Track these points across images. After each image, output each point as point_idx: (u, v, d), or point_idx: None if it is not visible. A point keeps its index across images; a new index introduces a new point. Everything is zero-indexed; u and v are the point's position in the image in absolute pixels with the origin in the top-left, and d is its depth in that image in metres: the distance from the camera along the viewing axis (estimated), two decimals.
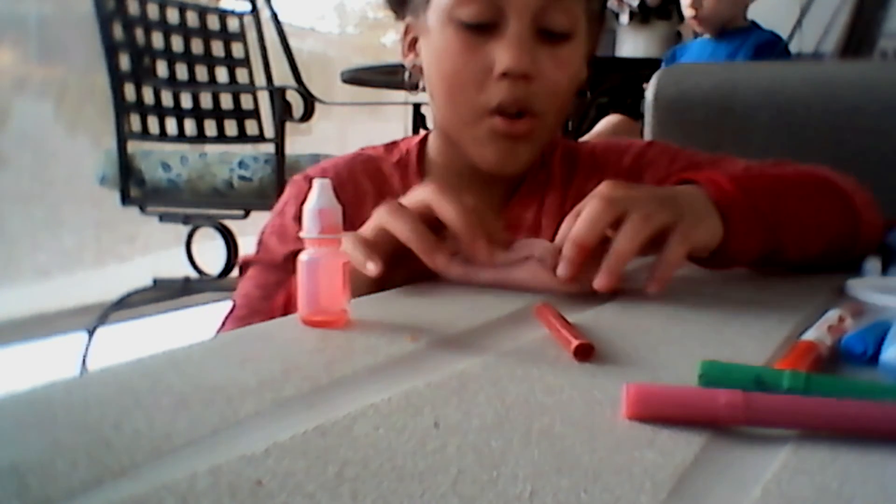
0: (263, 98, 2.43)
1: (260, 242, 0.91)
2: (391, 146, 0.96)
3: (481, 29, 0.82)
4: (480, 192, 0.91)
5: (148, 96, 2.25)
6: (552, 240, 0.88)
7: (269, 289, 0.86)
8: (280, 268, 0.87)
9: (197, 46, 2.43)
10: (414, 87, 0.93)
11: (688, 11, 2.23)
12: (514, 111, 0.83)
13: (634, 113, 1.99)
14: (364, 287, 0.59)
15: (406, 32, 0.91)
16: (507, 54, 0.80)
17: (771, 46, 2.19)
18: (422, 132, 0.98)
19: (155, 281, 2.42)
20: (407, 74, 0.93)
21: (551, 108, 0.85)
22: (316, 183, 0.50)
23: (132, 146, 2.19)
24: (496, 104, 0.82)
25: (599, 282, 0.58)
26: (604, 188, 0.62)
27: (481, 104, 0.83)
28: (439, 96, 0.87)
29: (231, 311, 0.88)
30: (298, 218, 0.87)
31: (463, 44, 0.82)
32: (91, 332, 2.40)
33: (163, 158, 2.17)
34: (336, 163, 0.94)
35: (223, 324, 0.87)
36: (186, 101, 2.35)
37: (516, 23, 0.81)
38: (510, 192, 0.92)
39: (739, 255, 0.67)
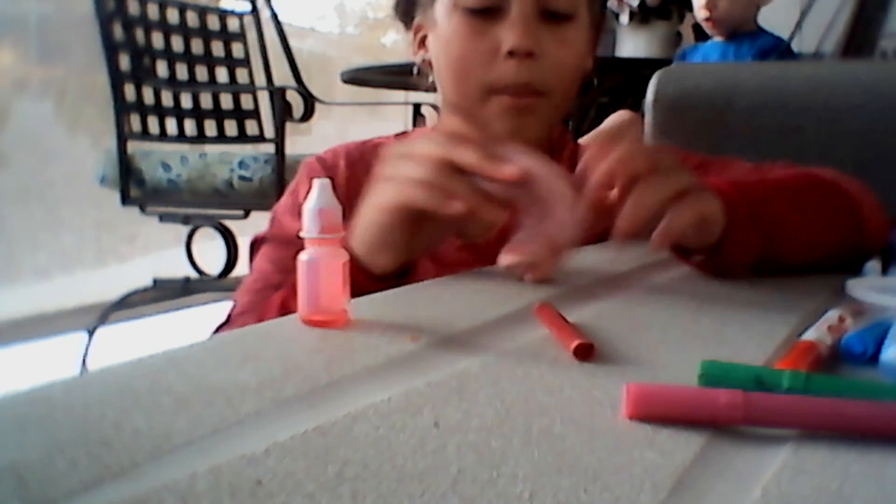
0: (263, 98, 2.43)
1: (273, 220, 0.93)
2: (402, 135, 0.99)
3: (486, 13, 0.85)
4: None
5: (148, 96, 2.25)
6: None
7: (284, 262, 0.87)
8: (294, 243, 0.88)
9: (197, 46, 2.43)
10: (424, 83, 0.95)
11: (701, 13, 2.24)
12: (521, 90, 0.85)
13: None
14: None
15: (416, 32, 0.94)
16: (512, 33, 0.83)
17: (773, 50, 2.20)
18: (430, 125, 1.00)
19: (155, 281, 2.42)
20: (416, 70, 0.96)
21: (557, 86, 0.87)
22: (316, 183, 0.50)
23: (132, 146, 2.19)
24: (503, 83, 0.85)
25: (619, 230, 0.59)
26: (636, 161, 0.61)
27: (488, 84, 0.86)
28: (448, 81, 0.89)
29: (246, 286, 0.89)
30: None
31: (469, 28, 0.85)
32: (91, 332, 2.40)
33: (163, 158, 2.17)
34: (348, 145, 0.97)
35: (239, 297, 0.88)
36: (186, 101, 2.35)
37: (519, 4, 0.84)
38: None
39: (736, 257, 0.68)
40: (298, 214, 0.88)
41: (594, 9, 0.91)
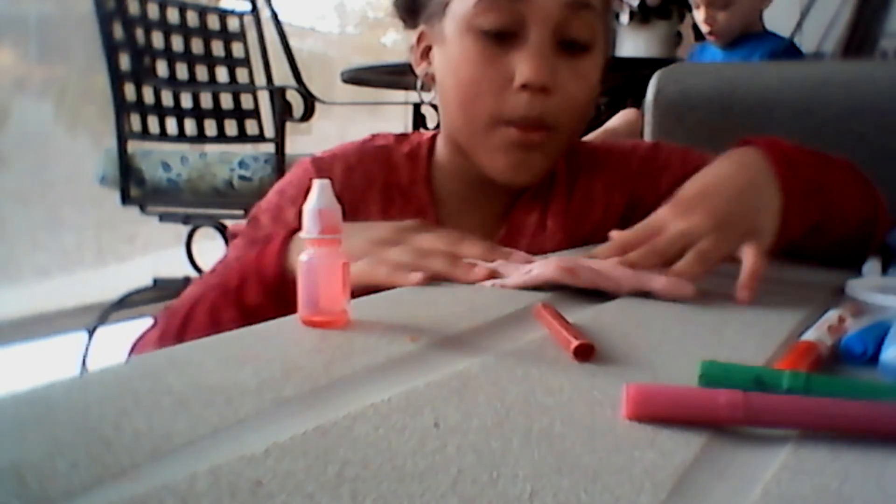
0: (263, 98, 2.43)
1: (251, 217, 0.90)
2: (402, 137, 0.95)
3: (501, 39, 0.80)
4: (485, 198, 0.91)
5: (148, 96, 2.25)
6: (560, 240, 0.89)
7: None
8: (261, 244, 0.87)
9: (197, 46, 2.43)
10: (427, 91, 0.92)
11: (703, 28, 2.25)
12: (531, 125, 0.82)
13: None
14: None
15: (419, 41, 0.90)
16: (528, 66, 0.79)
17: (780, 50, 2.20)
18: (432, 129, 0.97)
19: (155, 281, 2.42)
20: (419, 83, 0.92)
21: (568, 121, 0.84)
22: (316, 183, 0.50)
23: (132, 146, 2.19)
24: (513, 116, 0.81)
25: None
26: (667, 218, 0.65)
27: (497, 114, 0.82)
28: (454, 105, 0.85)
29: (204, 276, 0.87)
30: (294, 201, 0.87)
31: (482, 53, 0.81)
32: (91, 332, 2.40)
33: (163, 158, 2.17)
34: (346, 148, 0.93)
35: (192, 287, 0.86)
36: (186, 101, 2.35)
37: (537, 34, 0.80)
38: (514, 198, 0.91)
39: (792, 230, 0.70)
40: (277, 218, 0.87)
41: (607, 33, 0.87)
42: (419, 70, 0.91)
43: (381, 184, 0.90)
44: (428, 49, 0.89)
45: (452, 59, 0.84)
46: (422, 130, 0.97)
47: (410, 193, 0.90)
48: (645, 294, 0.61)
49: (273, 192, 0.91)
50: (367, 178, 0.89)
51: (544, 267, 0.61)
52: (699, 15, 2.25)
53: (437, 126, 0.96)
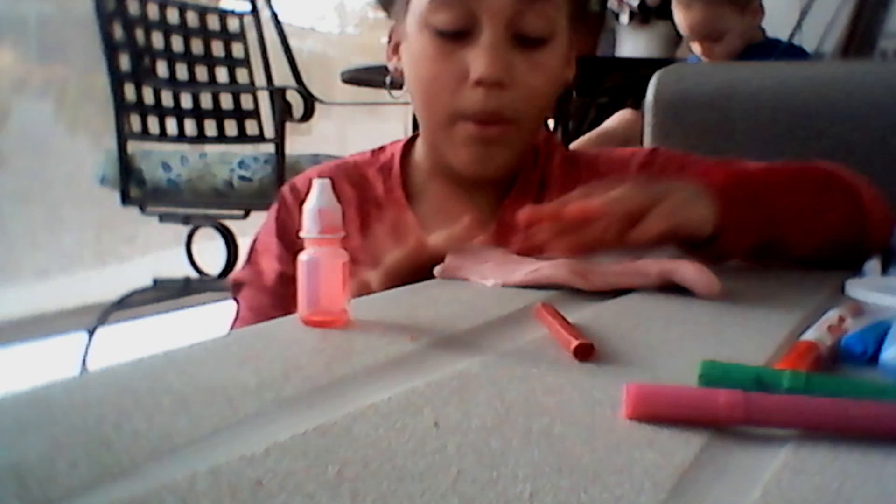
0: (263, 98, 2.43)
1: (250, 259, 0.92)
2: (379, 151, 0.96)
3: (456, 35, 0.81)
4: (468, 195, 0.91)
5: (148, 96, 2.25)
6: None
7: (264, 311, 0.87)
8: (271, 290, 0.88)
9: (197, 46, 2.43)
10: (398, 88, 0.93)
11: (703, 59, 2.25)
12: (489, 119, 0.83)
13: None
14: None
15: (391, 36, 0.92)
16: (481, 62, 0.80)
17: (785, 55, 2.20)
18: (410, 134, 0.98)
19: (155, 281, 2.42)
20: (388, 78, 0.94)
21: (527, 113, 0.85)
22: (316, 183, 0.50)
23: (132, 146, 2.19)
24: (470, 111, 0.82)
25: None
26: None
27: (455, 110, 0.83)
28: (417, 101, 0.87)
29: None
30: (267, 248, 0.89)
31: (437, 50, 0.82)
32: (91, 332, 2.40)
33: (163, 158, 2.17)
34: (321, 170, 0.94)
35: None
36: (186, 101, 2.35)
37: (490, 29, 0.80)
38: (501, 195, 0.92)
39: (734, 243, 0.70)
40: (274, 255, 0.89)
41: (576, 20, 0.87)
42: (390, 65, 0.93)
43: (356, 201, 0.90)
44: (398, 44, 0.91)
45: (413, 55, 0.86)
46: (406, 136, 0.98)
47: (386, 202, 0.91)
48: (648, 292, 0.61)
49: (263, 230, 0.93)
50: (342, 197, 0.90)
51: (554, 268, 0.61)
52: (696, 48, 2.24)
53: None
